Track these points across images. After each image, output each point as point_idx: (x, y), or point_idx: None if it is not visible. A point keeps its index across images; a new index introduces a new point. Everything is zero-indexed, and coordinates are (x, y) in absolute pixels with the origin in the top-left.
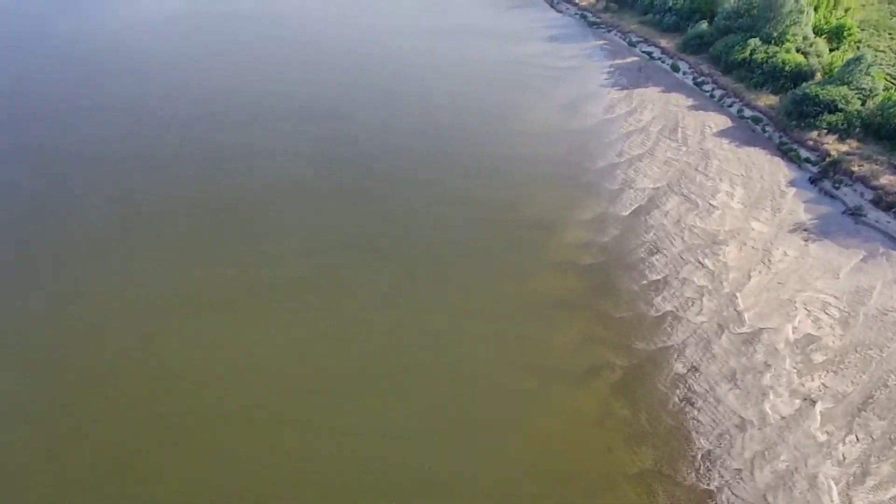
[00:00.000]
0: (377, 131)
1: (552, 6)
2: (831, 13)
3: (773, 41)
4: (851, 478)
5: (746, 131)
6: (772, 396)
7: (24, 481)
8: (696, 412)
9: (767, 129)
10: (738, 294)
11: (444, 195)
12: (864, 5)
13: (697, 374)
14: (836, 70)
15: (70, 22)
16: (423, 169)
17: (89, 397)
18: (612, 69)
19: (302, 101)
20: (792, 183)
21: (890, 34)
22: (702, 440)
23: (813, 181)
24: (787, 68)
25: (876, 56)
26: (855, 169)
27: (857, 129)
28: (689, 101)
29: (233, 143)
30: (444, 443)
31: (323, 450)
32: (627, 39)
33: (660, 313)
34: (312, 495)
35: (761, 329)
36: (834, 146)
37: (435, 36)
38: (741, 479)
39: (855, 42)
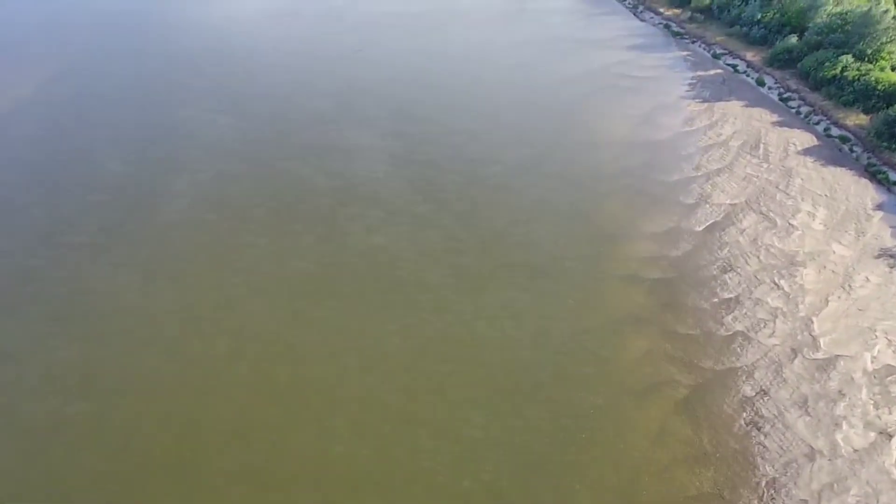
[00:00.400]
0: (448, 134)
1: (635, 15)
2: None
3: (866, 58)
4: None
5: (833, 150)
6: (845, 427)
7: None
8: (762, 437)
9: (855, 149)
10: (814, 318)
11: (514, 201)
12: None
13: (766, 399)
14: None
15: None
16: (493, 174)
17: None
18: (693, 81)
19: (391, 99)
20: (879, 206)
21: None
22: (767, 467)
23: None
24: (880, 87)
25: None
26: None
27: None
28: (774, 117)
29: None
30: (502, 453)
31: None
32: (712, 51)
33: (730, 333)
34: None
35: (837, 356)
36: None
37: (513, 45)
38: None
39: None
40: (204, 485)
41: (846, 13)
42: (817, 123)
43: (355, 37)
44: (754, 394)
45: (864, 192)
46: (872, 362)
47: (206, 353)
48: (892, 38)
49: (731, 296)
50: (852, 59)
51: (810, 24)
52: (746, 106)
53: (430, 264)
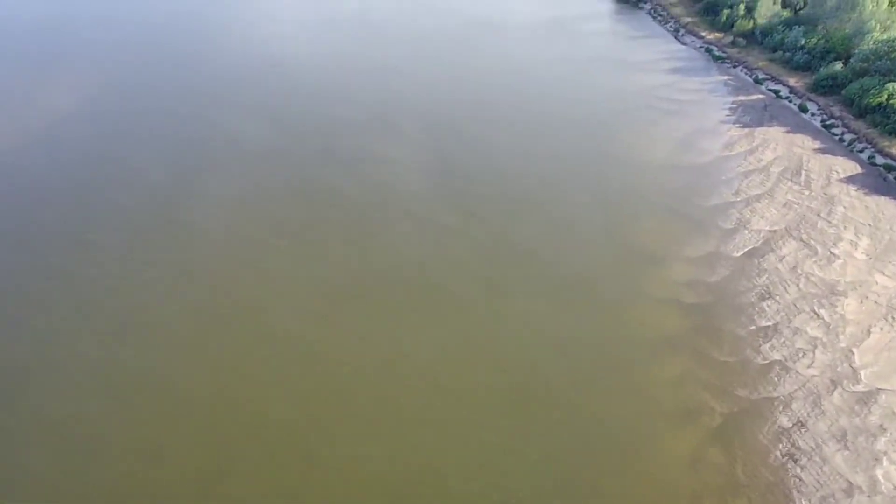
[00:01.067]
0: (483, 148)
1: (676, 38)
2: None
3: None
4: None
5: (877, 179)
6: (885, 463)
7: None
8: (798, 470)
9: None
10: (854, 350)
11: (548, 217)
12: None
13: (803, 430)
14: None
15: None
16: (527, 190)
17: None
18: (734, 106)
19: (427, 112)
20: None
21: None
22: (803, 501)
23: None
24: None
25: None
26: None
27: None
28: (816, 144)
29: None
30: (526, 475)
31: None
32: (754, 76)
33: (767, 361)
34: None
35: (879, 390)
36: None
37: (552, 64)
38: None
39: None
40: (222, 485)
41: (893, 40)
42: (861, 151)
43: (393, 52)
44: (791, 425)
45: None
46: None
47: (230, 357)
48: None
49: (768, 324)
50: None
51: (856, 51)
52: (788, 132)
53: (457, 277)
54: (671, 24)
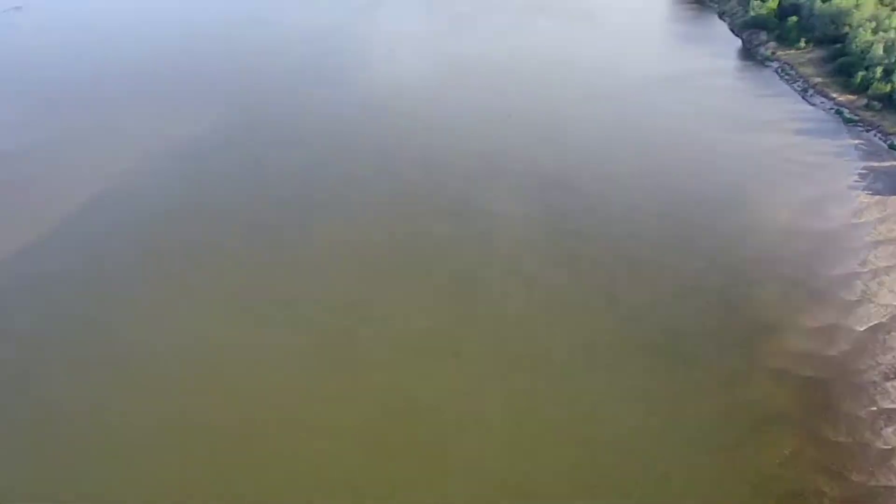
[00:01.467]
0: (596, 205)
1: (804, 98)
2: None
3: None
4: None
5: None
6: None
7: None
8: None
9: None
10: None
11: (660, 279)
12: None
13: None
14: None
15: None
16: (640, 249)
17: None
18: (865, 171)
19: (540, 164)
20: None
21: None
22: None
23: None
24: None
25: None
26: None
27: None
28: None
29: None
30: None
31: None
32: (889, 142)
33: (888, 447)
34: None
35: None
36: None
37: (673, 118)
38: None
39: None
40: None
41: None
42: None
43: (506, 101)
44: None
45: None
46: None
47: (323, 417)
48: None
49: (893, 406)
50: None
51: None
52: None
53: (562, 338)
54: (799, 83)
